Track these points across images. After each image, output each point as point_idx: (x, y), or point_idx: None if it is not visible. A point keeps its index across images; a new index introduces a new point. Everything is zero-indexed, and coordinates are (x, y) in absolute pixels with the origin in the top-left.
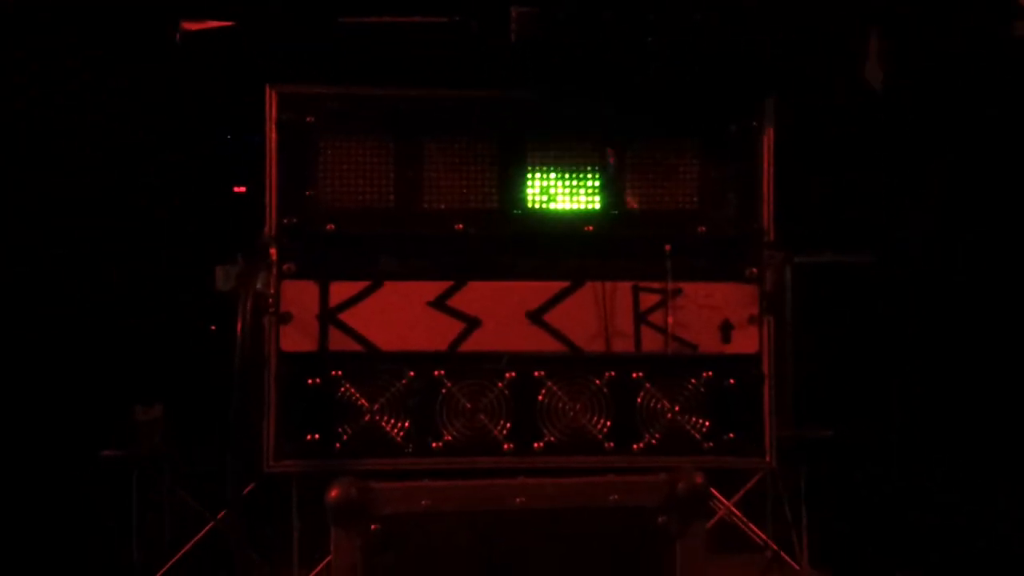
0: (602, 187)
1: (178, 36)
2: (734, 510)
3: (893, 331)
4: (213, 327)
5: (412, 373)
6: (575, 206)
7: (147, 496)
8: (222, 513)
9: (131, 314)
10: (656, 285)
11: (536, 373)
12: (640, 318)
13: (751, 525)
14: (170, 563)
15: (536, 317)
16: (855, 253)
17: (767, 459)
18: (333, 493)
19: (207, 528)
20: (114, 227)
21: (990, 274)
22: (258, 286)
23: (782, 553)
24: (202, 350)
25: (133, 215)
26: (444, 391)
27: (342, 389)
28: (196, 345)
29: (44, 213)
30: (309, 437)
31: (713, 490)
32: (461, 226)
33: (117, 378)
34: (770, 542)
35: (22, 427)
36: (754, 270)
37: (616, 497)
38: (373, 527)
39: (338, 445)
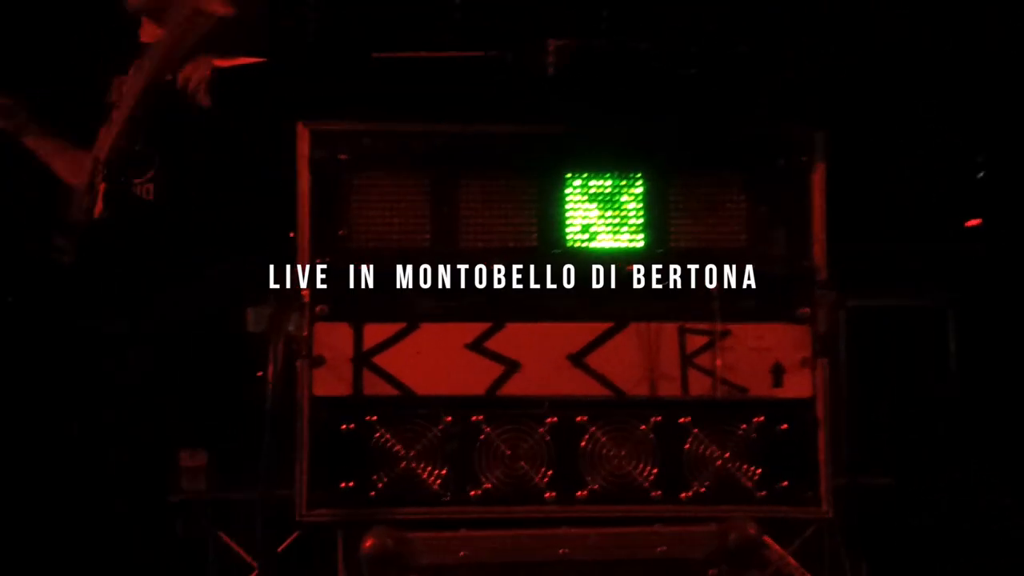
0: (645, 225)
1: (209, 72)
2: (790, 558)
3: (957, 376)
4: (260, 372)
5: (449, 418)
6: (617, 244)
7: (190, 542)
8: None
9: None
10: (703, 326)
11: (578, 418)
12: (687, 361)
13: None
14: None
15: (578, 360)
16: (918, 296)
17: (823, 508)
18: (368, 543)
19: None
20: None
21: None
22: (290, 328)
23: None
24: (246, 395)
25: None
26: (482, 437)
27: (377, 435)
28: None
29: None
30: (343, 485)
31: (766, 538)
32: (499, 265)
33: (159, 421)
34: None
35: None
36: (806, 310)
37: (664, 548)
38: None
39: (373, 493)
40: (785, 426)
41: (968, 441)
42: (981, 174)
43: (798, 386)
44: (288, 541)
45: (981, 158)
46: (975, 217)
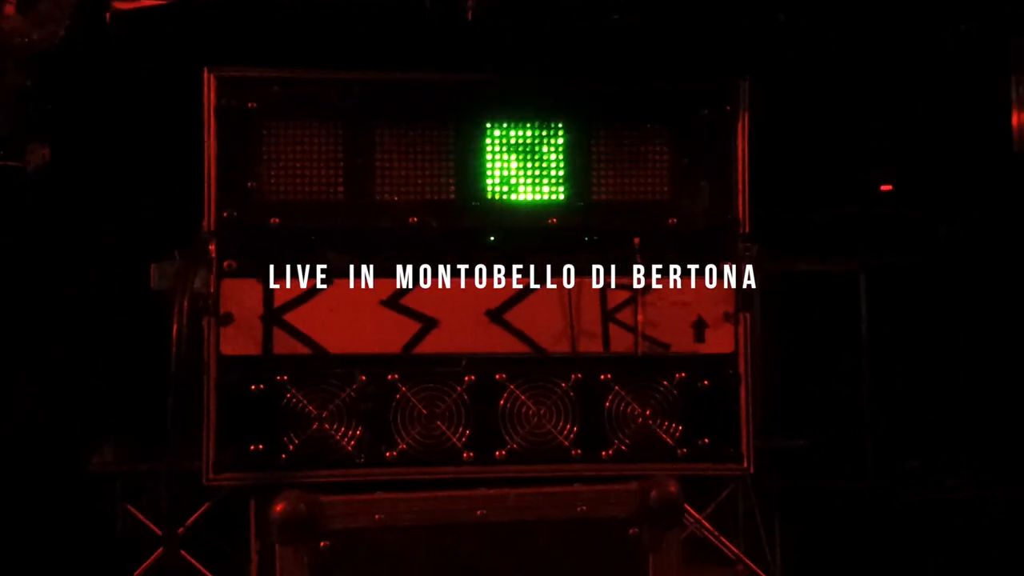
0: (567, 177)
1: (108, 16)
2: (705, 523)
3: (868, 337)
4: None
5: (364, 377)
6: (538, 197)
7: (97, 517)
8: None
9: (67, 318)
10: (625, 281)
11: (497, 376)
12: (608, 316)
13: (722, 538)
14: None
15: (497, 316)
16: (833, 261)
17: (744, 465)
18: (279, 508)
19: (157, 553)
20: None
21: (971, 278)
22: (196, 285)
23: (754, 567)
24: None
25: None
26: (398, 396)
27: (288, 395)
28: (141, 352)
29: None
30: (253, 448)
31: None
32: (415, 219)
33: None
34: (742, 556)
35: None
36: (729, 264)
37: (584, 508)
38: (323, 544)
39: (284, 456)
40: (707, 382)
41: (879, 404)
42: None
43: (720, 341)
44: (199, 511)
45: (880, 124)
46: (886, 182)
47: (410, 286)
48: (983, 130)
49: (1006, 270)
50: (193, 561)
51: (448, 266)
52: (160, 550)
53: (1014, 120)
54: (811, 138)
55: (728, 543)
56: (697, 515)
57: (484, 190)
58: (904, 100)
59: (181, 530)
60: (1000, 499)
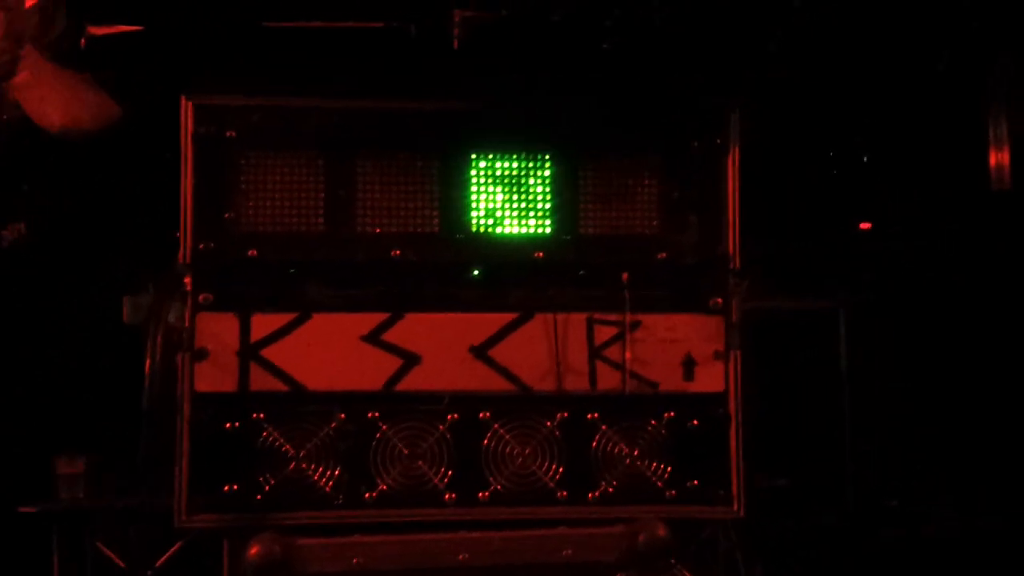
0: (553, 210)
1: (83, 41)
2: (684, 571)
3: (848, 376)
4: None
5: (343, 416)
6: (524, 230)
7: (68, 554)
8: None
9: (46, 356)
10: (613, 317)
11: (481, 415)
12: (595, 353)
13: None
14: None
15: (481, 353)
16: (810, 298)
17: (735, 508)
18: (253, 551)
19: None
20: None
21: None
22: (170, 319)
23: None
24: (123, 395)
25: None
26: (379, 435)
27: (264, 434)
28: (116, 389)
29: None
30: (227, 488)
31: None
32: (398, 252)
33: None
34: None
35: None
36: (719, 300)
37: (569, 552)
38: None
39: (259, 497)
40: (696, 422)
41: (859, 442)
42: (864, 166)
43: (710, 380)
44: (171, 551)
45: (866, 158)
46: (866, 220)
47: (392, 321)
48: (961, 167)
49: (985, 306)
50: None
51: (431, 301)
52: None
53: (991, 159)
54: (788, 174)
55: None
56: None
57: (469, 223)
58: (882, 137)
59: (149, 573)
60: (981, 533)
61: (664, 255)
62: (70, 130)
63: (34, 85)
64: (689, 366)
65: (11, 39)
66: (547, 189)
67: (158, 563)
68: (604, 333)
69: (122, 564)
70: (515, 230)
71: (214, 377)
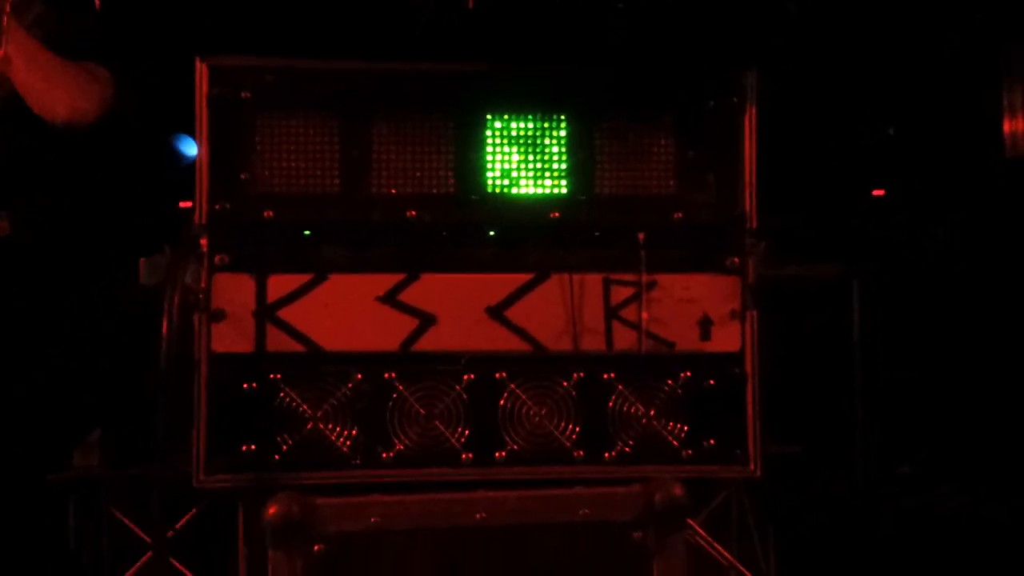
0: (569, 170)
1: (98, 2)
2: (698, 528)
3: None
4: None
5: (360, 376)
6: (539, 191)
7: (85, 521)
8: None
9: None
10: (629, 277)
11: (497, 375)
12: (611, 313)
13: (715, 544)
14: None
15: (497, 313)
16: (821, 265)
17: (751, 467)
18: (271, 510)
19: (145, 558)
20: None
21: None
22: (187, 280)
23: (748, 574)
24: (138, 358)
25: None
26: (395, 395)
27: (281, 394)
28: (132, 352)
29: None
30: (244, 448)
31: None
32: (414, 213)
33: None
34: (736, 562)
35: None
36: (735, 260)
37: (586, 511)
38: (316, 548)
39: (277, 457)
40: (712, 381)
41: (871, 411)
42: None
43: (726, 339)
44: (187, 517)
45: (891, 130)
46: (879, 188)
47: (408, 282)
48: (976, 135)
49: (1001, 276)
50: (180, 567)
51: (447, 261)
52: (148, 555)
53: (1006, 126)
54: (803, 142)
55: (721, 549)
56: (691, 522)
57: (484, 183)
58: (897, 104)
59: (170, 534)
60: (993, 504)
61: (680, 215)
62: (75, 122)
63: (27, 69)
64: (706, 326)
65: None
66: (563, 149)
67: (176, 527)
68: (620, 293)
69: (139, 531)
70: (531, 191)
71: (231, 338)
